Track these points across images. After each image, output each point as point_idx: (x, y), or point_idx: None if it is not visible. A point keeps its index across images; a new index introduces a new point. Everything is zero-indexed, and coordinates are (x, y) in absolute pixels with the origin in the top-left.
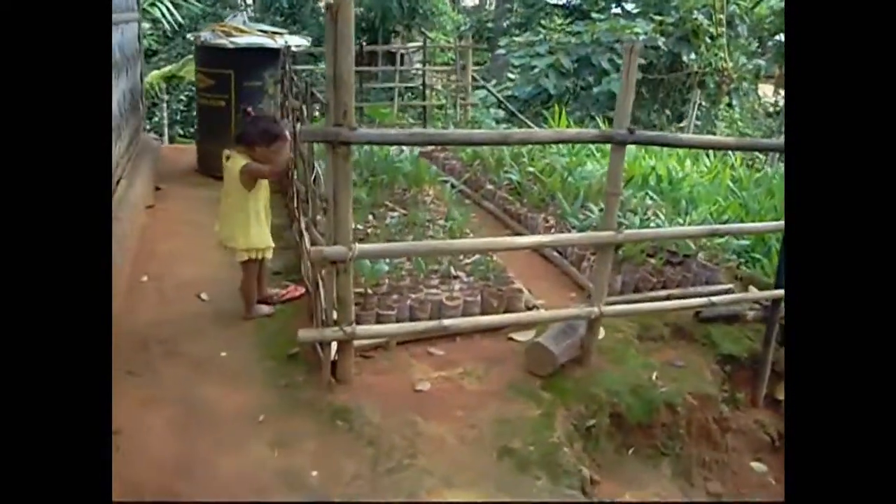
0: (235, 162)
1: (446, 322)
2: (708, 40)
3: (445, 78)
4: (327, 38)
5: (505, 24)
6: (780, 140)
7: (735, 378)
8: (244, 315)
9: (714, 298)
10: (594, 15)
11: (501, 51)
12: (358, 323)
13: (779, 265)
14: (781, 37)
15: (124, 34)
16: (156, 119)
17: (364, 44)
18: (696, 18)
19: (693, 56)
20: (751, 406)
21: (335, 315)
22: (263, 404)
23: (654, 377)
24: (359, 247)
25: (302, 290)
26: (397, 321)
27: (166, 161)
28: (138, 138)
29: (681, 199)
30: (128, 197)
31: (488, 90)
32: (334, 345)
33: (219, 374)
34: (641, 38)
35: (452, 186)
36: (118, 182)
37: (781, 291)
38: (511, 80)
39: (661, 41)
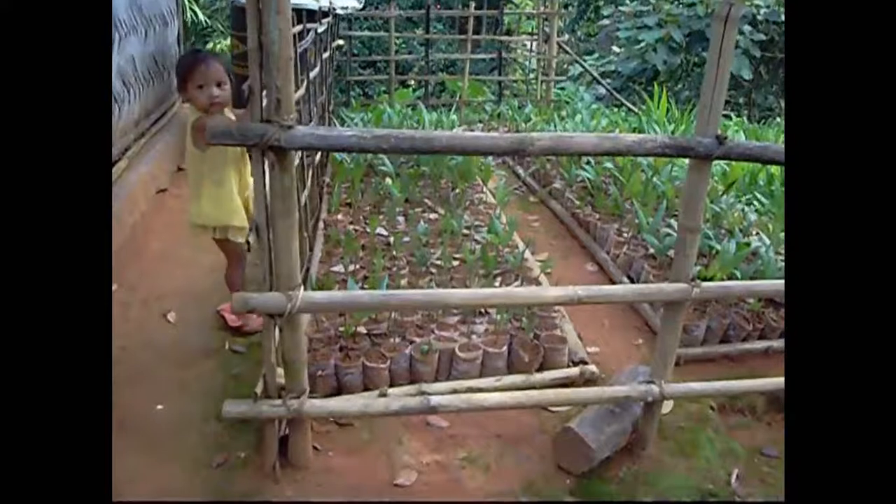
0: (188, 118)
1: (435, 400)
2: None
3: (531, 49)
4: None
5: None
6: None
7: None
8: (231, 324)
9: None
10: None
11: (605, 21)
12: (339, 376)
13: None
14: None
15: None
16: None
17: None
18: None
19: None
20: None
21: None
22: (179, 491)
23: (733, 477)
24: (303, 296)
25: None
26: (391, 377)
27: None
28: (164, 110)
29: None
30: (128, 179)
31: (580, 64)
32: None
33: (141, 440)
34: (763, 11)
35: (518, 178)
36: (116, 161)
37: None
38: (617, 53)
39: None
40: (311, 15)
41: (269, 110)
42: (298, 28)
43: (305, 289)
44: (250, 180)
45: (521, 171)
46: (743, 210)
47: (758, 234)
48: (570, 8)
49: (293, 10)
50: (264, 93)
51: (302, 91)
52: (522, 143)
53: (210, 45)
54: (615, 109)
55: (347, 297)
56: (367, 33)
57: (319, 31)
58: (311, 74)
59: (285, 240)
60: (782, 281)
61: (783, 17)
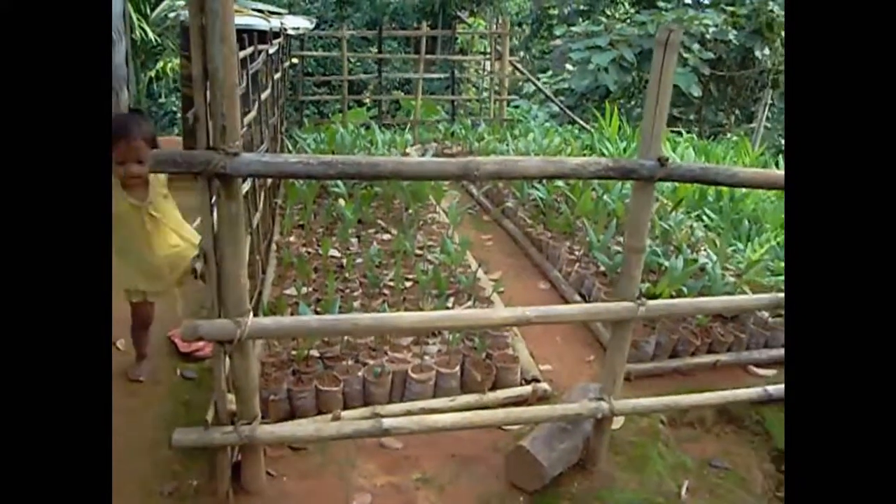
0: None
1: (388, 422)
2: (783, 35)
3: (484, 69)
4: (191, 14)
5: (566, 11)
6: None
7: None
8: (181, 349)
9: (772, 389)
10: (661, 3)
11: (558, 41)
12: (291, 401)
13: None
14: None
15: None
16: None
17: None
18: (771, 10)
19: (766, 51)
20: None
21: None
22: None
23: (683, 490)
24: (252, 322)
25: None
26: (345, 400)
27: None
28: None
29: (743, 219)
30: None
31: (533, 83)
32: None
33: None
34: (711, 30)
35: (472, 198)
36: None
37: None
38: (570, 71)
39: (732, 34)
40: (262, 36)
41: (215, 137)
42: (249, 50)
43: (258, 313)
44: (172, 240)
45: (474, 190)
46: (691, 227)
47: (705, 250)
48: (523, 26)
49: (243, 31)
50: (210, 119)
51: (253, 113)
52: (468, 168)
53: (161, 64)
54: (569, 127)
55: (296, 322)
56: (320, 53)
57: (270, 51)
58: (263, 96)
59: (234, 266)
60: (728, 297)
61: (731, 36)
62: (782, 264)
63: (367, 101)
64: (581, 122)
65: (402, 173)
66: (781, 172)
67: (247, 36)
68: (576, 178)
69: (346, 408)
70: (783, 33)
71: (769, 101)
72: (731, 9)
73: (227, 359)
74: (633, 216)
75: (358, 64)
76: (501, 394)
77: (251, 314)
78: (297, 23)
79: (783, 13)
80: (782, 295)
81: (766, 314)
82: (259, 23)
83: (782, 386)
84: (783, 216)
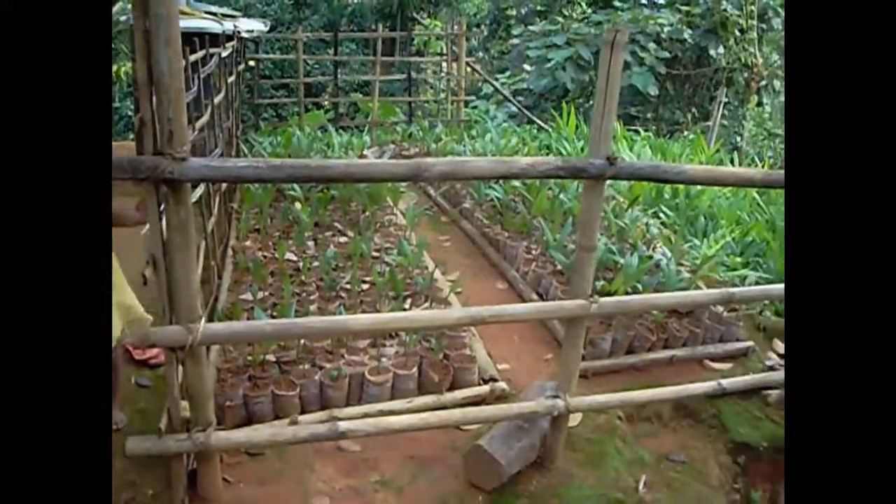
0: None
1: (344, 425)
2: (737, 33)
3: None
4: (135, 17)
5: (523, 12)
6: None
7: (751, 471)
8: (136, 357)
9: (725, 383)
10: (617, 3)
11: (515, 41)
12: (248, 406)
13: None
14: None
15: None
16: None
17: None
18: (725, 10)
19: (721, 50)
20: None
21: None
22: None
23: (640, 484)
24: (203, 328)
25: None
26: (302, 404)
27: None
28: None
29: (699, 216)
30: None
31: (491, 83)
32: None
33: None
34: (667, 29)
35: (430, 199)
36: None
37: None
38: (528, 71)
39: (687, 34)
40: (215, 39)
41: (162, 142)
42: (201, 53)
43: (214, 318)
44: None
45: (432, 191)
46: (647, 224)
47: (661, 247)
48: (482, 27)
49: (195, 34)
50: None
51: (206, 117)
52: (418, 169)
53: (115, 68)
54: (527, 127)
55: (249, 327)
56: (275, 56)
57: (224, 55)
58: (216, 99)
59: (184, 272)
60: (679, 293)
61: (686, 35)
62: (737, 259)
63: (326, 103)
64: (539, 122)
65: (352, 175)
66: (731, 169)
67: (198, 39)
68: (526, 178)
69: (303, 412)
70: (737, 32)
71: (723, 100)
72: (685, 8)
73: (180, 366)
74: (585, 215)
75: (316, 66)
76: (459, 394)
77: (203, 320)
78: (251, 25)
79: (736, 12)
80: (734, 289)
81: (720, 308)
82: (212, 26)
83: (736, 379)
84: (738, 212)
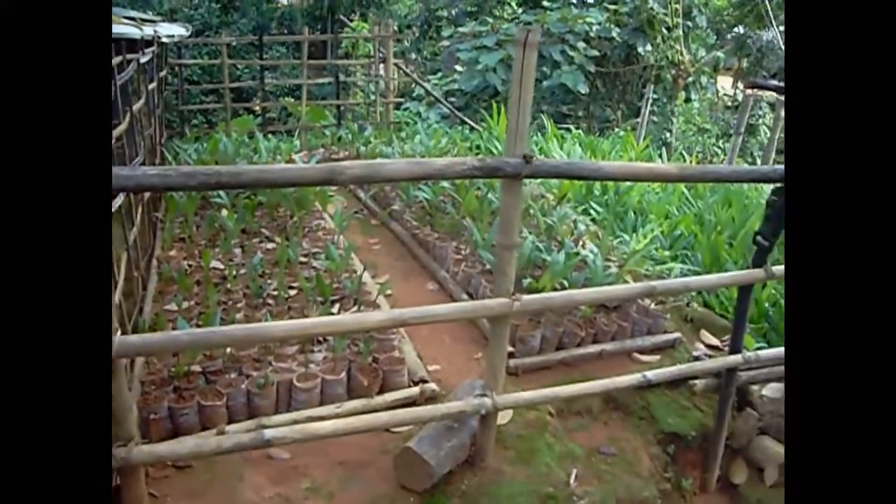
0: None
1: (270, 433)
2: (664, 31)
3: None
4: None
5: (454, 13)
6: (743, 167)
7: (681, 460)
8: None
9: (651, 374)
10: (546, 3)
11: (446, 42)
12: (174, 418)
13: (737, 311)
14: (741, 29)
15: None
16: None
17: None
18: (651, 8)
19: (649, 48)
20: (700, 493)
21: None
22: None
23: (572, 478)
24: (119, 340)
25: None
26: (229, 413)
27: None
28: None
29: (628, 211)
30: None
31: (420, 85)
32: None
33: None
34: (595, 28)
35: (359, 202)
36: None
37: (737, 357)
38: (459, 72)
39: (615, 32)
40: (132, 44)
41: None
42: (118, 59)
43: (137, 330)
44: None
45: (361, 194)
46: (574, 221)
47: (589, 243)
48: (413, 28)
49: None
50: None
51: (124, 125)
52: (332, 172)
53: None
54: (459, 128)
55: (166, 337)
56: (198, 61)
57: (143, 60)
58: (136, 106)
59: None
60: (601, 287)
61: (614, 34)
62: (665, 253)
63: (257, 108)
64: (471, 123)
65: (265, 181)
66: (647, 165)
67: (114, 45)
68: (442, 179)
69: (231, 422)
70: (663, 30)
71: (652, 96)
72: (613, 7)
73: None
74: (504, 214)
75: (246, 70)
76: (389, 397)
77: (118, 332)
78: (172, 30)
79: (662, 10)
80: (656, 283)
81: (648, 301)
82: (130, 31)
83: (662, 370)
84: (667, 207)
